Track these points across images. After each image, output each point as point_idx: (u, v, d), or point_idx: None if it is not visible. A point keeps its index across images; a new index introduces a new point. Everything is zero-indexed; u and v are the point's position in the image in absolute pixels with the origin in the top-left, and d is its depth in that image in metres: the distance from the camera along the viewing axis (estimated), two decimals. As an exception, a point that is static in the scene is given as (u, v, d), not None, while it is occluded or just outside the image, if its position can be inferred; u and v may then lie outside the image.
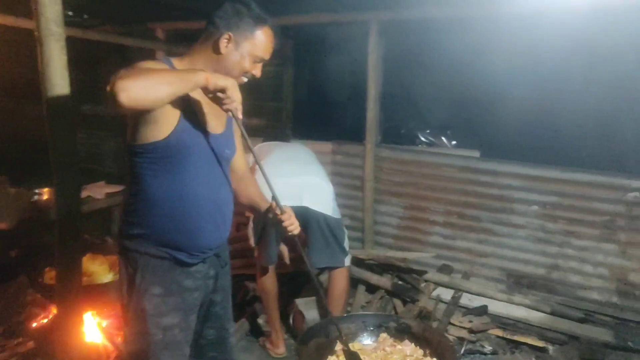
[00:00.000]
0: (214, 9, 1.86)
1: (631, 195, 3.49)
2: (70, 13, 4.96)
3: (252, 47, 1.83)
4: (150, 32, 5.15)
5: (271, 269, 3.26)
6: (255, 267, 3.40)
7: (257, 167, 3.34)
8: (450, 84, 4.97)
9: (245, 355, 3.43)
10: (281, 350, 3.31)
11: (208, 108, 1.84)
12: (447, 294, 3.88)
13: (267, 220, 1.99)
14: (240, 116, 1.75)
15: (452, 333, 3.56)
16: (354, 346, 2.44)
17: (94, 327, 3.15)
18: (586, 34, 3.99)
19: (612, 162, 3.96)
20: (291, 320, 3.52)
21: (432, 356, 2.41)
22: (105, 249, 3.85)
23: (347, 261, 3.31)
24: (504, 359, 3.32)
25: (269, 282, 3.27)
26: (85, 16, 5.11)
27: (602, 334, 3.42)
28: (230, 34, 1.80)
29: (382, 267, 4.06)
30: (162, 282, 1.86)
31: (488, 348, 3.41)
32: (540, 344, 3.41)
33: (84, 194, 4.21)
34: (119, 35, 4.93)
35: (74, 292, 2.54)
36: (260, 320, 3.72)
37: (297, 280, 3.88)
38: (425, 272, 3.97)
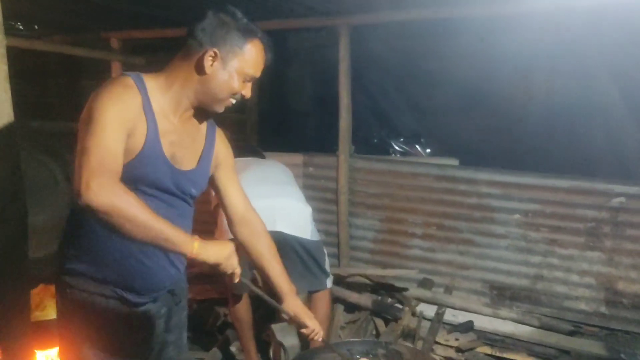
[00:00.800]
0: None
1: (616, 200, 3.38)
2: (20, 26, 4.63)
3: (241, 64, 1.58)
4: (104, 42, 4.84)
5: (244, 295, 3.01)
6: (226, 290, 3.14)
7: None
8: (422, 90, 4.83)
9: (219, 390, 3.16)
10: (258, 381, 3.06)
11: (181, 139, 1.60)
12: (430, 310, 3.70)
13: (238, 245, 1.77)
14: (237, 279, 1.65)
15: (439, 353, 3.37)
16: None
17: (47, 370, 2.83)
18: (560, 35, 3.93)
19: (593, 167, 3.87)
20: (271, 352, 3.26)
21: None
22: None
23: (329, 283, 3.10)
24: (495, 379, 3.14)
25: (243, 310, 3.01)
26: (36, 27, 4.79)
27: (593, 347, 3.28)
28: (215, 50, 1.55)
29: (361, 285, 3.85)
30: (106, 324, 1.64)
31: (477, 368, 3.23)
32: (530, 360, 3.26)
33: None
34: (69, 46, 4.61)
35: (21, 330, 2.23)
36: (233, 349, 3.46)
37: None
38: (406, 289, 3.78)
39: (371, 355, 2.45)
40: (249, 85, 1.65)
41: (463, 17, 3.74)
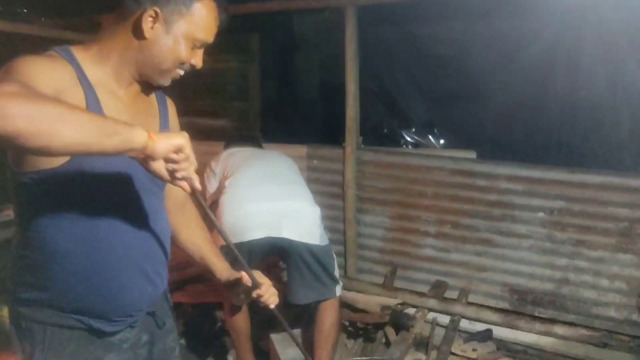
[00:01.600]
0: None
1: (652, 198, 3.05)
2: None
3: (189, 27, 1.29)
4: (96, 26, 4.54)
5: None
6: (222, 294, 2.86)
7: (225, 188, 2.84)
8: (435, 77, 4.48)
9: (213, 406, 2.89)
10: (256, 399, 2.78)
11: (133, 119, 1.27)
12: (444, 317, 3.40)
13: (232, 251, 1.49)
14: (198, 186, 1.21)
15: (455, 365, 3.08)
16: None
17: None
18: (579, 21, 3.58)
19: (628, 161, 3.53)
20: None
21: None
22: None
23: (339, 290, 2.81)
24: (518, 396, 2.85)
25: (240, 319, 2.73)
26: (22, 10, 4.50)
27: (625, 359, 2.97)
28: (156, 9, 1.25)
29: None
30: None
31: (498, 383, 2.93)
32: (557, 374, 2.96)
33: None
34: (58, 30, 4.31)
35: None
36: (231, 358, 3.19)
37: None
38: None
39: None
40: (200, 52, 1.35)
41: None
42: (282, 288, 3.01)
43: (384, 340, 3.28)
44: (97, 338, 1.36)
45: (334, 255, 2.87)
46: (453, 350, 3.13)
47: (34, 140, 0.94)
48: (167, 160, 1.10)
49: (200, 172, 1.24)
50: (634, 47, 3.87)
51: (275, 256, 2.89)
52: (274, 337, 2.98)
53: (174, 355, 1.66)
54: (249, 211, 2.61)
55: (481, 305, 3.45)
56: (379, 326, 3.30)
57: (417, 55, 4.54)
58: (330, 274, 2.73)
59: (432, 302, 3.44)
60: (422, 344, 3.25)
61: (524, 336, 3.22)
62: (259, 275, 1.59)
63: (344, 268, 3.98)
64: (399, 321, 3.24)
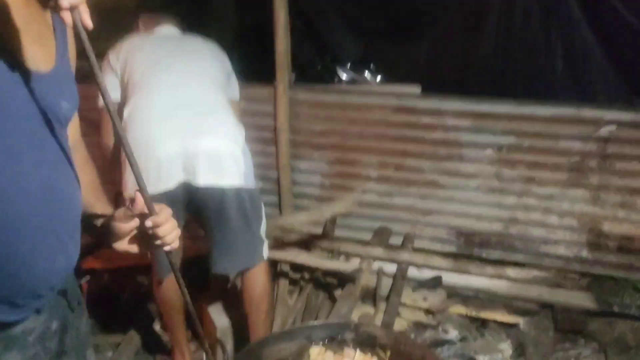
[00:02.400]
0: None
1: (605, 129, 2.89)
2: None
3: None
4: None
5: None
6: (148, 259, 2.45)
7: (129, 116, 2.30)
8: (368, 10, 4.12)
9: (139, 386, 2.52)
10: (191, 379, 2.42)
11: (23, 22, 0.93)
12: (390, 266, 3.16)
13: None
14: (89, 22, 0.90)
15: (406, 316, 2.87)
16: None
17: None
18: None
19: (579, 93, 3.36)
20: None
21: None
22: None
23: (266, 250, 2.44)
24: (475, 345, 2.67)
25: (170, 290, 2.33)
26: None
27: (579, 298, 2.86)
28: None
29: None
30: None
31: (453, 333, 2.74)
32: (511, 319, 2.81)
33: None
34: None
35: None
36: (158, 327, 2.82)
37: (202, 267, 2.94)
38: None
39: (336, 342, 1.89)
40: None
41: None
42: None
43: (328, 297, 3.01)
44: None
45: (262, 205, 2.47)
46: (403, 300, 2.92)
47: None
48: None
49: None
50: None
51: (193, 214, 2.40)
52: (211, 308, 2.63)
53: (88, 342, 1.31)
54: (159, 155, 2.15)
55: (429, 251, 3.24)
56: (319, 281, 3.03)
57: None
58: (256, 232, 2.35)
59: (377, 251, 3.18)
60: (370, 296, 3.01)
61: (475, 281, 3.05)
62: (161, 208, 1.19)
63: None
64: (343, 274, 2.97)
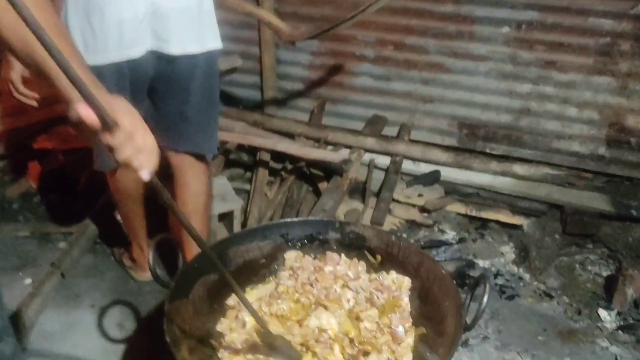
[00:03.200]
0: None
1: (645, 5, 2.44)
2: None
3: None
4: None
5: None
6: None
7: None
8: None
9: (93, 281, 2.24)
10: (147, 273, 2.11)
11: None
12: (383, 158, 2.82)
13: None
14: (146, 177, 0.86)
15: (398, 214, 2.57)
16: (270, 306, 1.32)
17: None
18: None
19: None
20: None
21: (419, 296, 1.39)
22: None
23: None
24: (474, 247, 2.39)
25: (127, 179, 1.96)
26: None
27: (593, 200, 2.56)
28: None
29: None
30: None
31: (450, 234, 2.46)
32: (515, 220, 2.52)
33: None
34: None
35: None
36: (119, 216, 2.50)
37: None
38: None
39: (318, 243, 1.59)
40: None
41: None
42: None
43: (312, 189, 2.69)
44: None
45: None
46: (395, 196, 2.61)
47: None
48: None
49: None
50: None
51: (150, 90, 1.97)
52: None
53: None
54: (121, 15, 1.68)
55: (427, 143, 2.89)
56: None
57: None
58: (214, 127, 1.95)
59: (369, 141, 2.83)
60: (358, 191, 2.69)
61: (477, 177, 2.74)
62: (120, 107, 0.83)
63: (260, 103, 3.24)
64: (330, 164, 2.63)
